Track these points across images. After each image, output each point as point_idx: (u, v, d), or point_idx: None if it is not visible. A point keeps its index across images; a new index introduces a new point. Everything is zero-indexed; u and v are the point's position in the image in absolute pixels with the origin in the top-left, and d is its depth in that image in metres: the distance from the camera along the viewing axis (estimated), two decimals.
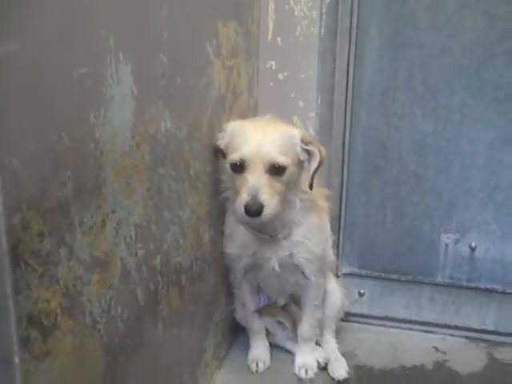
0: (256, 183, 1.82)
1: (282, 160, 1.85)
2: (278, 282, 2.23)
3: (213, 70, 1.91)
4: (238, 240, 2.12)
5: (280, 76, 2.42)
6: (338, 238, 2.63)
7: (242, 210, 1.81)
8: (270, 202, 1.81)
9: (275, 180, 1.85)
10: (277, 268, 2.11)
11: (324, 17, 2.34)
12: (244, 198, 1.80)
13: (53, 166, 1.08)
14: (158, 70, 1.50)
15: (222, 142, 1.96)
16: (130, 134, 1.38)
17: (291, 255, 2.11)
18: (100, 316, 1.32)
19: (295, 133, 1.96)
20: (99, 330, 1.32)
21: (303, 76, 2.40)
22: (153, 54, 1.47)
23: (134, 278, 1.48)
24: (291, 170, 1.90)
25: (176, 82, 1.63)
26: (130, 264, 1.45)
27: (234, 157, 1.86)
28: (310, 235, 2.12)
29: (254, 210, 1.79)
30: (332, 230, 2.34)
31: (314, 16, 2.32)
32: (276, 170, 1.85)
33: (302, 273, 2.19)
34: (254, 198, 1.80)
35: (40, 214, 1.05)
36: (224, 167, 1.99)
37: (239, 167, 1.86)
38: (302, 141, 1.95)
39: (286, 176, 1.88)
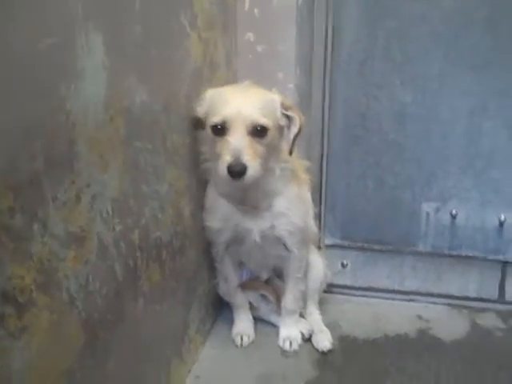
0: (238, 144, 1.80)
1: (263, 121, 1.84)
2: (260, 255, 2.22)
3: (189, 42, 1.88)
4: (219, 213, 2.10)
5: (258, 48, 2.40)
6: (320, 210, 2.63)
7: (224, 171, 1.78)
8: (252, 163, 1.79)
9: (257, 142, 1.84)
10: (258, 240, 2.10)
11: None
12: (226, 159, 1.78)
13: (22, 137, 1.06)
14: (131, 41, 1.47)
15: (200, 110, 1.94)
16: (103, 106, 1.36)
17: (272, 227, 2.10)
18: (77, 292, 1.31)
19: (275, 97, 1.96)
20: (77, 306, 1.31)
21: (281, 48, 2.37)
22: (125, 24, 1.44)
23: (112, 253, 1.47)
24: (272, 133, 1.89)
25: (151, 54, 1.60)
26: (107, 239, 1.43)
27: (214, 119, 1.84)
28: (292, 206, 2.12)
29: (237, 170, 1.77)
30: (313, 201, 2.33)
31: None
32: (258, 132, 1.84)
33: (284, 245, 2.18)
34: (237, 159, 1.77)
35: (10, 189, 1.04)
36: (204, 137, 1.98)
37: (220, 129, 1.84)
38: (282, 106, 1.95)
39: (268, 138, 1.87)
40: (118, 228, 1.49)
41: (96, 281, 1.39)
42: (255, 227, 2.09)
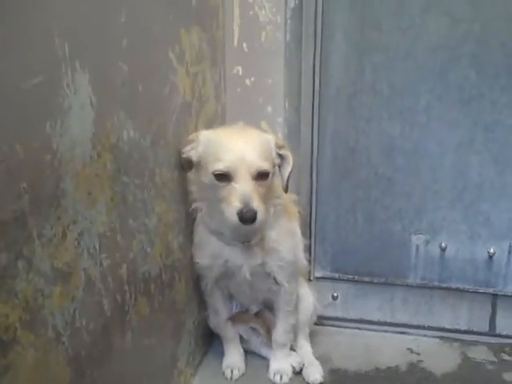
0: (246, 191, 1.82)
1: (266, 166, 1.87)
2: (250, 289, 2.22)
3: (176, 77, 1.90)
4: (208, 249, 2.10)
5: (247, 81, 2.42)
6: (310, 243, 2.62)
7: (235, 218, 1.81)
8: (261, 208, 1.82)
9: (259, 186, 1.86)
10: (248, 276, 2.10)
11: (289, 22, 2.34)
12: (236, 206, 1.80)
13: (6, 177, 1.06)
14: (117, 79, 1.49)
15: (194, 153, 1.94)
16: (90, 143, 1.36)
17: (263, 264, 2.11)
18: (64, 329, 1.30)
19: (270, 138, 1.99)
20: (63, 343, 1.31)
21: (270, 81, 2.40)
22: (112, 62, 1.46)
23: (100, 288, 1.47)
24: (271, 174, 1.92)
25: (138, 90, 1.61)
26: (94, 274, 1.43)
27: (218, 166, 1.83)
28: (282, 240, 2.13)
29: (248, 216, 1.79)
30: (303, 234, 2.33)
31: (279, 21, 2.32)
32: (260, 176, 1.86)
33: (275, 279, 2.18)
34: (247, 205, 1.80)
35: None
36: (194, 178, 2.00)
37: (225, 176, 1.84)
38: (276, 145, 1.98)
39: (268, 181, 1.91)
40: (105, 263, 1.49)
41: (83, 317, 1.38)
42: (245, 264, 2.09)
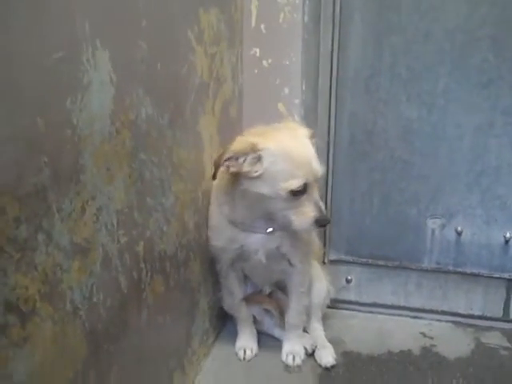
0: (318, 200, 1.90)
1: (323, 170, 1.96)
2: (264, 270, 2.23)
3: (195, 56, 1.90)
4: (224, 234, 2.10)
5: (264, 63, 2.41)
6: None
7: (311, 226, 1.91)
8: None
9: None
10: (263, 260, 2.11)
11: (307, 3, 2.32)
12: (313, 215, 1.88)
13: (28, 151, 1.08)
14: (137, 57, 1.49)
15: (254, 168, 1.84)
16: (109, 120, 1.37)
17: (278, 247, 2.12)
18: (81, 303, 1.32)
19: (308, 133, 2.00)
20: (81, 317, 1.32)
21: (287, 63, 2.39)
22: (131, 41, 1.46)
23: (117, 265, 1.48)
24: None
25: (156, 69, 1.62)
26: (111, 251, 1.45)
27: (296, 184, 1.83)
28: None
29: (325, 224, 1.94)
30: None
31: (297, 2, 2.31)
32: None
33: (288, 261, 2.19)
34: (321, 212, 1.89)
35: (16, 200, 1.05)
36: (231, 186, 1.97)
37: (299, 191, 1.85)
38: (310, 139, 1.99)
39: None
40: (122, 240, 1.50)
41: (100, 292, 1.40)
42: (261, 248, 2.09)
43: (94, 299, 1.38)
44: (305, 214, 1.87)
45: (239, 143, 1.85)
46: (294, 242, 2.13)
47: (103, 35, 1.30)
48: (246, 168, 1.84)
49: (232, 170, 1.86)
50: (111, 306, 1.46)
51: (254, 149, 1.83)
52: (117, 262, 1.48)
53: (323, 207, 1.90)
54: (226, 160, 1.84)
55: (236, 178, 1.92)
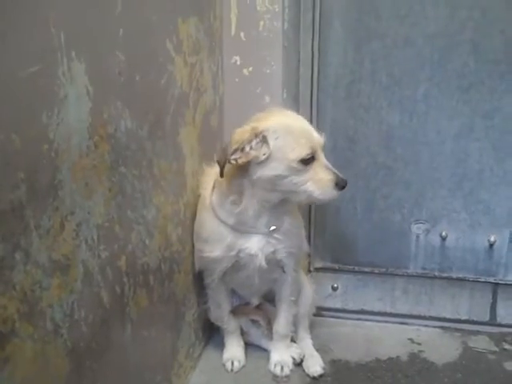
0: (329, 164, 1.93)
1: None
2: (256, 280, 2.19)
3: (174, 66, 1.88)
4: (222, 241, 2.06)
5: (245, 71, 2.40)
6: (309, 233, 2.61)
7: (331, 189, 1.91)
8: None
9: None
10: (264, 264, 2.08)
11: (287, 10, 2.32)
12: (330, 179, 1.90)
13: (3, 167, 1.05)
14: (114, 68, 1.47)
15: (261, 151, 1.86)
16: (87, 133, 1.35)
17: (275, 251, 2.10)
18: (62, 321, 1.29)
19: None
20: (62, 335, 1.30)
21: (268, 71, 2.38)
22: (108, 52, 1.44)
23: (98, 280, 1.46)
24: None
25: (135, 80, 1.60)
26: (92, 266, 1.42)
27: (304, 152, 1.86)
28: (294, 228, 2.14)
29: (345, 182, 1.92)
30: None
31: (277, 10, 2.30)
32: None
33: (282, 268, 2.18)
34: (337, 174, 1.92)
35: None
36: (240, 176, 1.95)
37: (308, 160, 1.87)
38: None
39: None
40: (103, 255, 1.47)
41: (81, 309, 1.38)
42: (260, 252, 2.07)
43: (76, 316, 1.35)
44: (322, 181, 1.90)
45: (239, 133, 1.86)
46: (289, 247, 2.12)
47: (79, 46, 1.28)
48: (253, 154, 1.85)
49: (241, 161, 1.85)
50: (93, 323, 1.44)
51: (256, 133, 1.85)
52: (98, 278, 1.46)
53: (336, 171, 1.92)
54: (232, 153, 1.84)
55: (242, 171, 1.92)
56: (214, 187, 2.07)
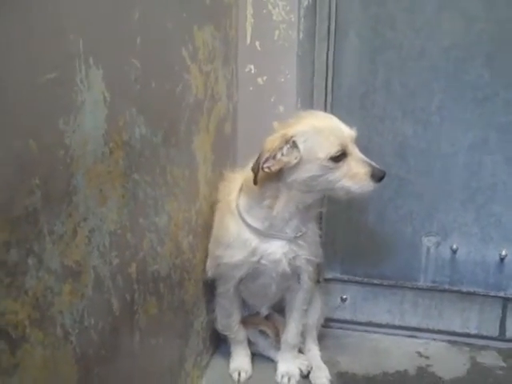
0: (363, 157, 1.93)
1: None
2: (274, 288, 2.19)
3: (189, 74, 1.88)
4: (245, 246, 2.05)
5: (259, 80, 2.41)
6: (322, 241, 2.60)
7: (367, 182, 1.90)
8: None
9: None
10: (288, 270, 2.08)
11: (302, 20, 2.32)
12: (366, 171, 1.90)
13: (19, 173, 1.05)
14: (131, 75, 1.47)
15: (293, 156, 1.88)
16: (102, 140, 1.35)
17: (296, 257, 2.10)
18: (72, 327, 1.29)
19: None
20: (72, 342, 1.29)
21: (282, 80, 2.39)
22: (125, 59, 1.44)
23: (109, 287, 1.45)
24: None
25: (151, 87, 1.60)
26: (103, 273, 1.42)
27: (334, 149, 1.87)
28: (315, 236, 2.18)
29: (382, 173, 1.92)
30: None
31: (293, 20, 2.31)
32: None
33: (298, 276, 2.18)
34: (372, 166, 1.92)
35: (6, 223, 1.02)
36: (275, 182, 1.95)
37: (340, 156, 1.88)
38: None
39: None
40: (115, 261, 1.47)
41: (91, 315, 1.37)
42: (284, 257, 2.06)
43: (86, 323, 1.35)
44: (358, 175, 1.90)
45: (270, 142, 1.88)
46: (309, 254, 2.13)
47: (97, 53, 1.28)
48: (285, 160, 1.87)
49: (274, 168, 1.87)
50: (103, 330, 1.43)
51: (286, 139, 1.87)
52: (109, 284, 1.45)
53: (372, 162, 1.92)
54: (265, 162, 1.86)
55: (277, 176, 1.93)
56: (240, 192, 2.07)
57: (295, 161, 1.88)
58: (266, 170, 1.87)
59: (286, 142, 1.86)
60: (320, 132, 1.90)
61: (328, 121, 1.97)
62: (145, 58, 1.53)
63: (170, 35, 1.72)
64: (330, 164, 1.88)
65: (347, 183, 1.90)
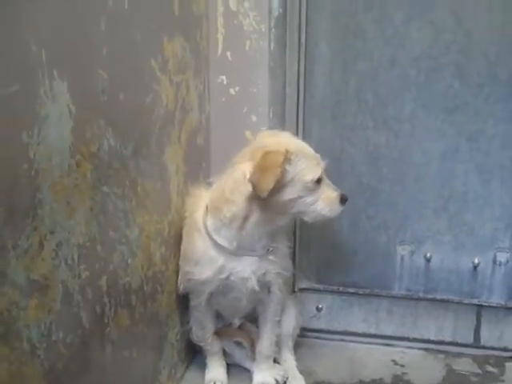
0: (331, 183, 2.04)
1: None
2: (244, 302, 2.18)
3: (159, 86, 1.88)
4: (213, 264, 2.04)
5: (231, 91, 2.40)
6: (294, 253, 2.59)
7: (337, 205, 2.02)
8: None
9: None
10: (257, 288, 2.08)
11: (273, 30, 2.32)
12: (336, 195, 2.01)
13: None
14: (98, 87, 1.46)
15: (290, 175, 1.90)
16: (68, 153, 1.34)
17: (266, 273, 2.10)
18: (39, 341, 1.28)
19: None
20: (39, 356, 1.28)
21: (255, 90, 2.39)
22: (91, 70, 1.43)
23: (78, 300, 1.44)
24: None
25: (119, 99, 1.59)
26: (72, 286, 1.41)
27: (317, 172, 1.95)
28: (285, 249, 2.19)
29: (347, 198, 2.03)
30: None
31: (263, 30, 2.31)
32: None
33: (269, 289, 2.18)
34: (339, 191, 2.03)
35: None
36: (281, 200, 1.93)
37: (319, 179, 1.96)
38: None
39: None
40: (84, 275, 1.46)
41: (60, 329, 1.36)
42: (253, 275, 2.06)
43: (53, 337, 1.33)
44: (330, 198, 1.99)
45: (274, 155, 1.87)
46: (279, 268, 2.13)
47: (61, 64, 1.27)
48: (286, 172, 1.90)
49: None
50: (72, 343, 1.42)
51: (287, 157, 1.88)
52: (78, 298, 1.44)
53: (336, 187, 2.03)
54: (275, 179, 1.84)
55: (246, 197, 1.93)
56: (207, 210, 2.06)
57: (288, 179, 1.90)
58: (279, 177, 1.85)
59: (287, 159, 1.88)
60: (306, 154, 1.96)
61: (305, 145, 2.03)
62: (112, 69, 1.52)
63: (139, 46, 1.71)
64: (312, 186, 1.93)
65: (320, 206, 1.97)
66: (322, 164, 1.99)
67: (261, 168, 1.85)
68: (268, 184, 1.82)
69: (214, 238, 2.03)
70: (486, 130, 2.37)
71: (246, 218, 1.96)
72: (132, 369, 1.84)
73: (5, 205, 1.11)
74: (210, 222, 2.04)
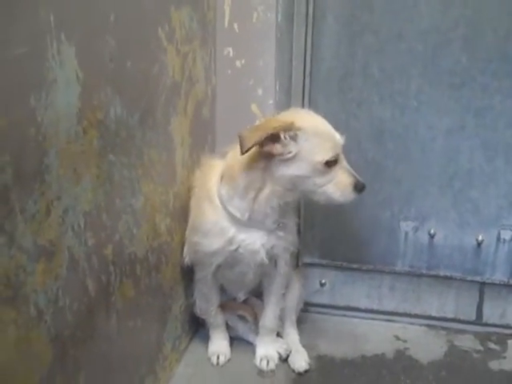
0: (349, 167, 1.98)
1: None
2: (251, 276, 2.19)
3: (166, 55, 1.86)
4: (223, 235, 2.04)
5: (237, 63, 2.39)
6: (299, 228, 2.57)
7: (350, 192, 1.95)
8: None
9: None
10: (266, 260, 2.08)
11: (280, 2, 2.30)
12: (350, 181, 1.94)
13: None
14: (105, 53, 1.45)
15: (292, 150, 1.86)
16: (75, 118, 1.33)
17: (273, 246, 2.10)
18: (46, 307, 1.28)
19: None
20: (46, 321, 1.28)
21: (261, 63, 2.37)
22: (99, 36, 1.42)
23: (84, 268, 1.44)
24: None
25: (126, 67, 1.58)
26: (78, 253, 1.41)
27: (329, 155, 1.89)
28: (294, 225, 2.19)
29: (363, 185, 1.97)
30: None
31: (271, 2, 2.29)
32: None
33: (275, 262, 2.19)
34: (356, 177, 1.96)
35: None
36: (260, 169, 1.93)
37: (332, 162, 1.90)
38: None
39: None
40: (90, 242, 1.46)
41: (66, 296, 1.36)
42: (262, 248, 2.06)
43: (60, 303, 1.34)
44: (343, 183, 1.93)
45: (274, 121, 1.88)
46: (286, 243, 2.14)
47: (69, 29, 1.26)
48: (278, 150, 1.86)
49: (267, 149, 1.85)
50: (78, 310, 1.43)
51: (291, 128, 1.86)
52: (84, 265, 1.44)
53: (356, 174, 1.97)
54: (267, 137, 1.82)
55: (264, 168, 1.92)
56: (222, 180, 2.05)
57: (288, 156, 1.87)
58: (268, 148, 1.85)
59: (291, 130, 1.85)
60: (320, 134, 1.91)
61: (325, 124, 1.98)
62: (119, 36, 1.51)
63: (146, 14, 1.70)
64: (323, 168, 1.89)
65: (331, 189, 1.93)
66: (340, 147, 1.95)
67: (255, 128, 1.89)
68: (250, 141, 1.78)
69: (227, 207, 2.02)
70: (492, 106, 2.34)
71: (259, 190, 1.96)
72: (136, 339, 1.85)
73: (13, 167, 1.10)
74: (223, 191, 2.03)
